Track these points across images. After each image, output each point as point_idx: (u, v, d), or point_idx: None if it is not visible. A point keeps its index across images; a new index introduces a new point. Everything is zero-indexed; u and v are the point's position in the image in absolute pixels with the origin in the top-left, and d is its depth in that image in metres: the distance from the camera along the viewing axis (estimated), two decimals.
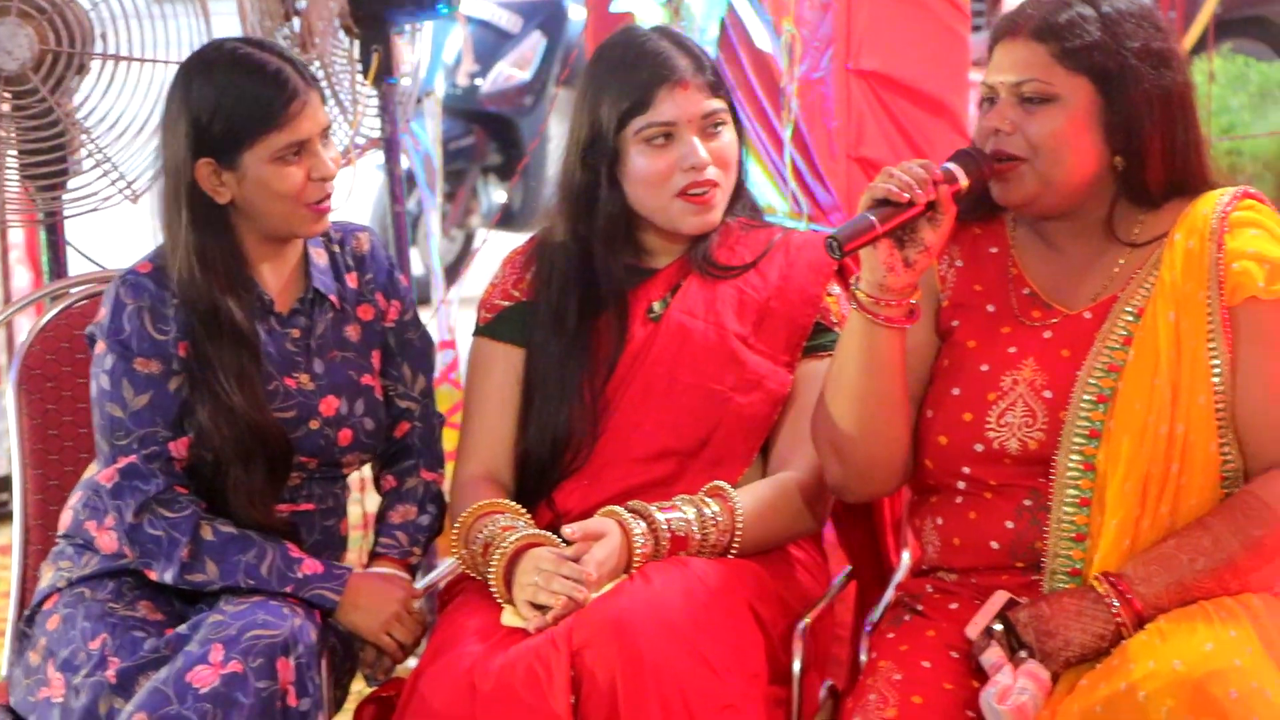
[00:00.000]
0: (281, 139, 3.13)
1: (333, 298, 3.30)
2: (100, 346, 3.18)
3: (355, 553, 3.53)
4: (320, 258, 3.31)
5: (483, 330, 3.38)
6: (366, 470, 3.47)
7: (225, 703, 2.93)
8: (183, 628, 3.05)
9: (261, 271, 3.24)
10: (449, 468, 3.41)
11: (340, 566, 3.20)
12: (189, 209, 3.15)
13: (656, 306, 3.30)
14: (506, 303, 3.36)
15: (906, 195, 2.86)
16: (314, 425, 3.24)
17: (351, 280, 3.33)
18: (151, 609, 3.16)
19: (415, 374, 3.39)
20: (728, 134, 3.28)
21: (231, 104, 3.12)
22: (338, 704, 3.25)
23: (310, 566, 3.14)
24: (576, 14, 9.64)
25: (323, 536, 3.30)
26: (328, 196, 3.19)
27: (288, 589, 3.11)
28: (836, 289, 3.29)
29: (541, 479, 3.27)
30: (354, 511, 3.56)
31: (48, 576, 3.25)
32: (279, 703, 2.98)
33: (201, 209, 3.16)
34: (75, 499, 3.30)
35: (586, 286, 3.28)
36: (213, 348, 3.14)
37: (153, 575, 3.14)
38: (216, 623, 3.01)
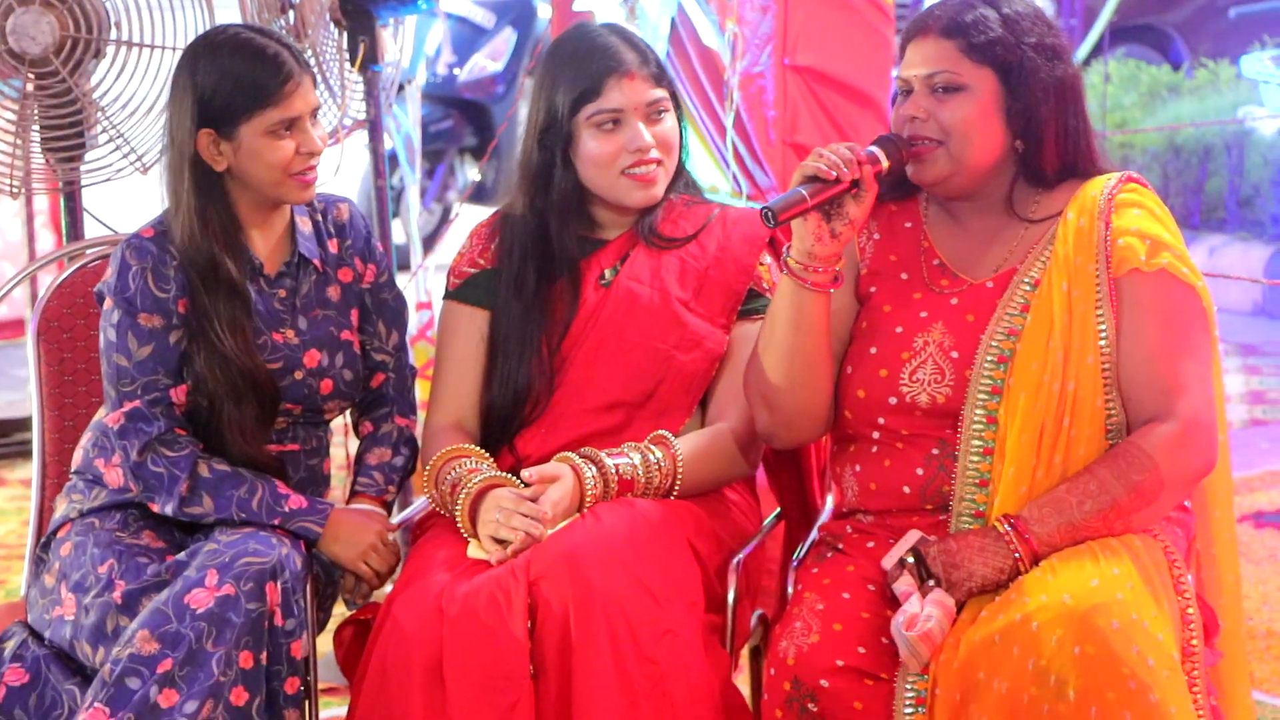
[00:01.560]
0: (275, 115, 3.10)
1: (316, 261, 3.27)
2: (108, 303, 3.15)
3: (340, 490, 3.51)
4: (305, 225, 3.28)
5: (452, 294, 3.35)
6: (349, 416, 3.44)
7: (219, 622, 2.92)
8: (181, 555, 3.04)
9: (252, 237, 3.21)
10: (421, 415, 3.38)
11: (323, 502, 3.18)
12: (191, 175, 3.13)
13: (608, 274, 3.28)
14: (473, 270, 3.32)
15: (834, 173, 2.86)
16: (298, 375, 3.21)
17: (333, 246, 3.30)
18: (154, 538, 3.14)
19: (389, 330, 3.36)
20: (669, 120, 3.26)
21: (232, 82, 3.10)
22: (321, 625, 3.23)
23: (296, 502, 3.13)
24: (545, 11, 9.61)
25: (307, 474, 3.28)
26: (313, 169, 3.17)
27: (276, 521, 3.10)
28: (768, 259, 3.28)
29: (504, 427, 3.25)
30: (338, 454, 3.54)
31: (61, 508, 3.23)
32: (267, 622, 2.97)
33: (202, 175, 3.13)
34: (86, 439, 3.27)
35: (543, 255, 3.25)
36: (209, 300, 3.12)
37: (155, 508, 3.12)
38: (212, 551, 2.99)
